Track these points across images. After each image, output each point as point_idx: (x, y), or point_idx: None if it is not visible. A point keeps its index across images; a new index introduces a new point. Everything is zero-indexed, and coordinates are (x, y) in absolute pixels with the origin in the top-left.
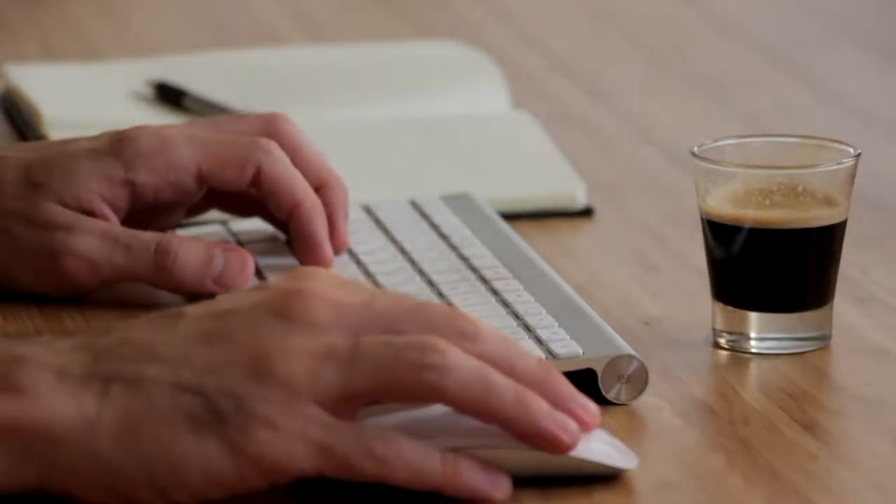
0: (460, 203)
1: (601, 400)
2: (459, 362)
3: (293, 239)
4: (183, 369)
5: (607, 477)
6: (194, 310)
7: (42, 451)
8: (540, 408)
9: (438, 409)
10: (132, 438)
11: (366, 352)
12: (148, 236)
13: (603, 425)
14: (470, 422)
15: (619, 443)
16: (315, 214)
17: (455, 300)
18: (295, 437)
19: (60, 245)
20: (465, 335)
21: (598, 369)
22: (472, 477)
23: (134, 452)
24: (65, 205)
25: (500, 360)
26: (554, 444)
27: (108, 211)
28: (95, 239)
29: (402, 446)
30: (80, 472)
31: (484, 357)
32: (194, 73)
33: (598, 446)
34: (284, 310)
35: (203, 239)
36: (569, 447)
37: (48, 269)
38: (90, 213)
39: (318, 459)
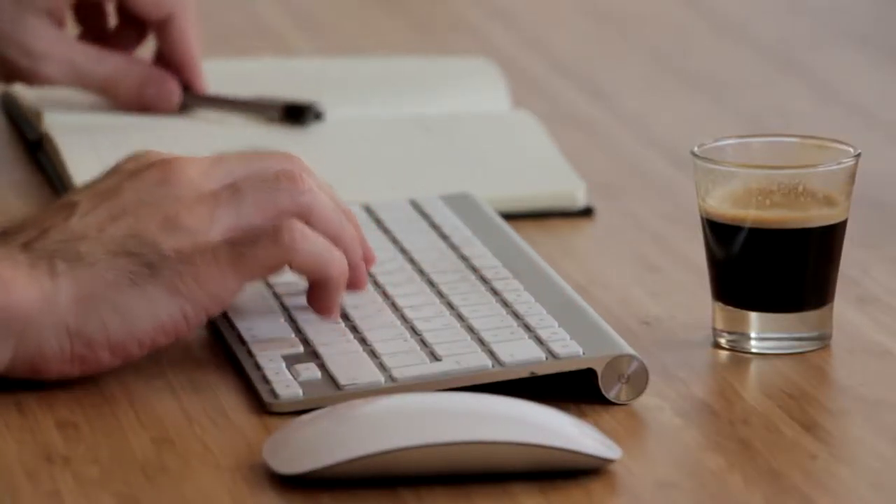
0: (460, 203)
1: (602, 400)
2: (318, 185)
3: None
4: (107, 242)
5: (604, 475)
6: (81, 197)
7: (17, 331)
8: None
9: (437, 404)
10: (88, 304)
11: (245, 189)
12: None
13: (603, 425)
14: (467, 416)
15: (604, 436)
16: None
17: (455, 300)
18: (212, 265)
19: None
20: (307, 171)
21: (599, 369)
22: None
23: (92, 316)
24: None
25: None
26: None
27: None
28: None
29: (302, 230)
30: (46, 346)
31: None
32: None
33: (588, 441)
34: (163, 178)
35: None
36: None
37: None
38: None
39: (237, 272)
